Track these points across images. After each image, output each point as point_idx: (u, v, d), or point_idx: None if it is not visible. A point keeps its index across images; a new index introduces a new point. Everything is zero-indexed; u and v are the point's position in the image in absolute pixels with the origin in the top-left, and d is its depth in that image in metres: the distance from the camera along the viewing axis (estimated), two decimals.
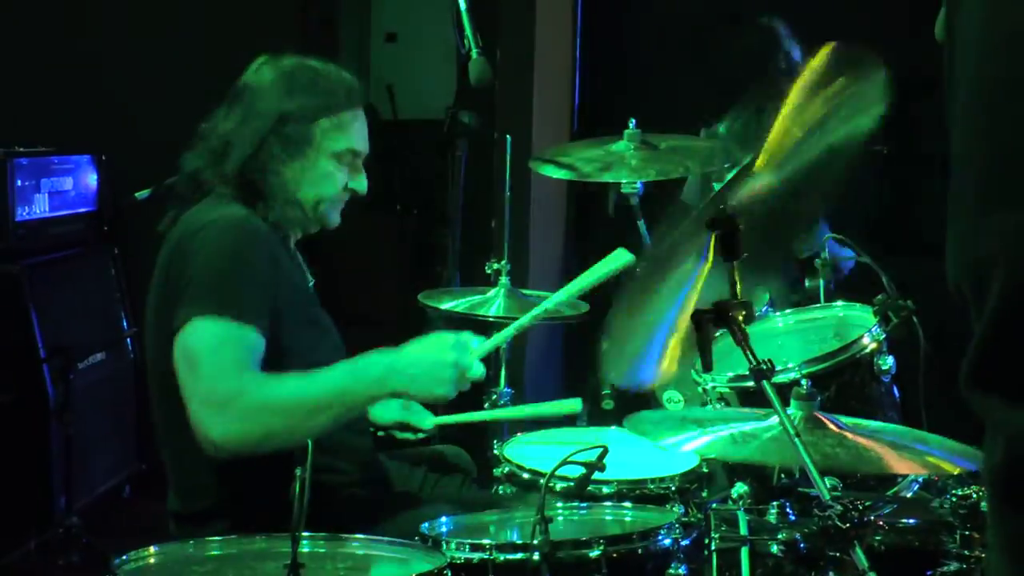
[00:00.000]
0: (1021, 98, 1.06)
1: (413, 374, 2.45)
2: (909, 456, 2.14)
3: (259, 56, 2.73)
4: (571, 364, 5.22)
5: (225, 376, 2.35)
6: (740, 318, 1.90)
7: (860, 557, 1.78)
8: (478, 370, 2.52)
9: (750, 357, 1.90)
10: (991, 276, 1.07)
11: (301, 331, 2.55)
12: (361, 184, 2.70)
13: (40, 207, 4.47)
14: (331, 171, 2.63)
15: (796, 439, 1.81)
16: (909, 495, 2.69)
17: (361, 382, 2.44)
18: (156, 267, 2.59)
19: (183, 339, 2.40)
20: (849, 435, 2.16)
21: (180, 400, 2.43)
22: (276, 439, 2.35)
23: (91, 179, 4.77)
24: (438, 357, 2.47)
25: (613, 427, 2.95)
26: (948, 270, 1.14)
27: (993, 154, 1.09)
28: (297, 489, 1.80)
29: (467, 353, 2.51)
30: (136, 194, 3.19)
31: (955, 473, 2.15)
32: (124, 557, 1.96)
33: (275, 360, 2.43)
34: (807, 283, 3.34)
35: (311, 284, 2.71)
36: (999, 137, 1.08)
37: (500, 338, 2.68)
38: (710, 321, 1.90)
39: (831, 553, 1.86)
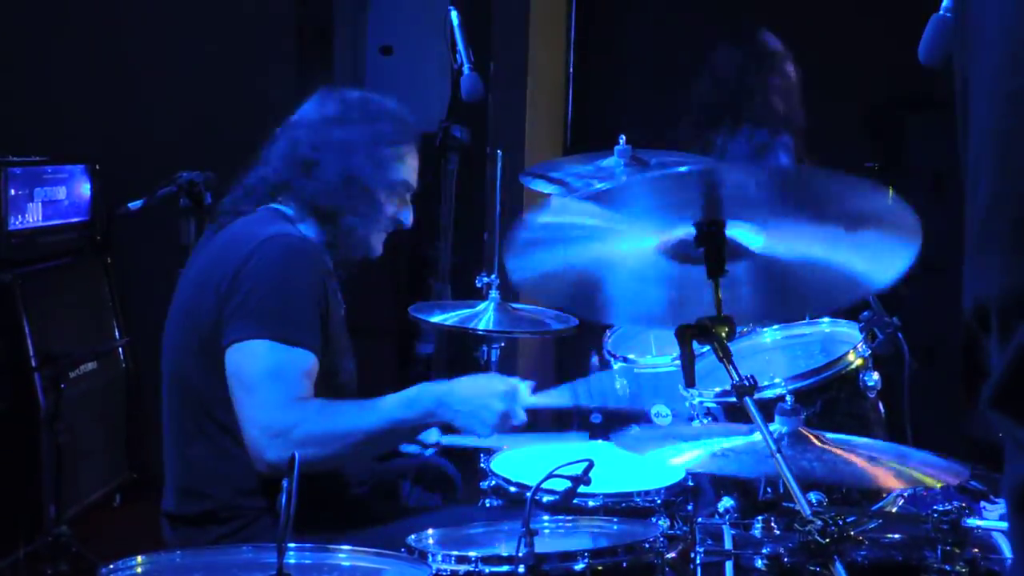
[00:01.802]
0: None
1: (461, 411, 2.54)
2: (888, 471, 2.16)
3: (317, 87, 2.79)
4: (563, 377, 5.22)
5: (283, 405, 2.42)
6: (723, 334, 1.92)
7: (840, 571, 1.80)
8: (521, 418, 2.60)
9: (733, 373, 1.92)
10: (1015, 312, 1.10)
11: (336, 356, 2.61)
12: (407, 217, 2.75)
13: (33, 216, 4.48)
14: (384, 201, 2.68)
15: (777, 455, 1.83)
16: (894, 510, 2.71)
17: (413, 412, 2.52)
18: (192, 270, 2.62)
19: (239, 359, 2.44)
20: (829, 450, 2.18)
21: (201, 407, 2.49)
22: (327, 463, 2.47)
23: (84, 189, 4.78)
24: (489, 402, 2.56)
25: (600, 440, 2.97)
26: (964, 299, 1.16)
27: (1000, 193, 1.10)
28: (283, 500, 1.81)
29: (516, 403, 2.59)
30: (129, 204, 3.20)
31: (936, 487, 2.17)
32: (111, 566, 1.97)
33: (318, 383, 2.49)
34: None
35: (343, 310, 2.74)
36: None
37: (553, 399, 2.77)
38: (694, 336, 1.92)
39: (812, 568, 1.88)
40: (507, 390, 2.58)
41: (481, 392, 2.56)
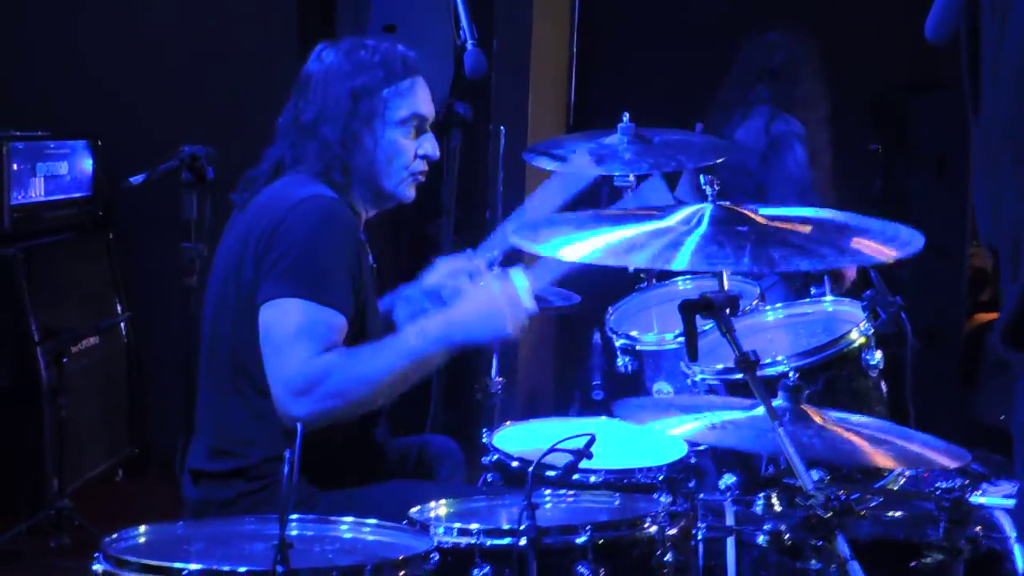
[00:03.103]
0: None
1: (472, 321, 2.53)
2: (887, 450, 2.16)
3: (317, 43, 2.77)
4: (563, 354, 5.23)
5: (309, 362, 2.43)
6: (726, 310, 1.92)
7: (842, 545, 1.80)
8: (531, 303, 2.57)
9: (735, 347, 1.92)
10: None
11: (369, 313, 2.63)
12: (431, 148, 2.73)
13: (35, 191, 4.48)
14: (400, 140, 2.67)
15: (779, 428, 1.83)
16: (896, 488, 2.71)
17: (427, 341, 2.51)
18: (233, 232, 2.62)
19: (269, 317, 2.46)
20: (829, 427, 2.18)
21: (238, 368, 2.52)
22: (359, 409, 2.50)
23: (86, 164, 4.78)
24: (494, 307, 2.53)
25: (603, 417, 2.97)
26: (979, 228, 1.14)
27: None
28: (286, 471, 1.82)
29: (519, 296, 2.55)
30: (130, 179, 3.20)
31: (935, 468, 2.17)
32: (114, 536, 1.98)
33: (351, 342, 2.50)
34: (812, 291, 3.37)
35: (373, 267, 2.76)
36: None
37: (548, 272, 2.66)
38: (697, 311, 1.92)
39: (814, 542, 1.88)
40: (503, 287, 2.55)
41: (482, 301, 2.55)
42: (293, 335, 2.44)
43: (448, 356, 2.60)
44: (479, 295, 2.57)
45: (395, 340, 2.53)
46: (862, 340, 2.83)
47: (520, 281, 2.56)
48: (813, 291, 3.37)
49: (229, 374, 2.56)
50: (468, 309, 2.55)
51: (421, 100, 2.71)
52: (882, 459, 2.25)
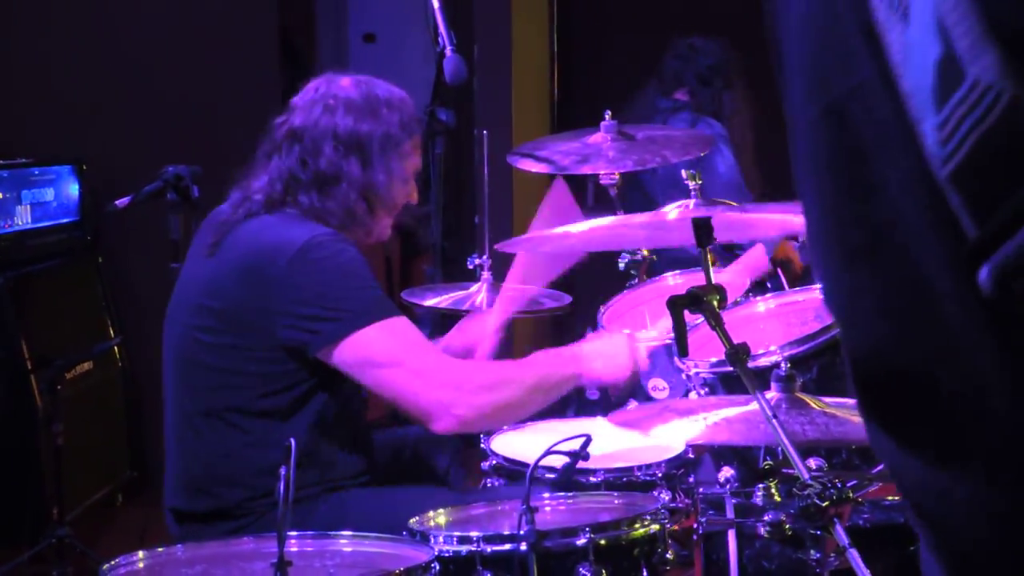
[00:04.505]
0: None
1: (597, 360, 2.64)
2: None
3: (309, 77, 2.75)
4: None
5: (439, 362, 2.51)
6: (714, 303, 1.92)
7: (840, 534, 1.80)
8: (645, 361, 2.74)
9: (725, 340, 1.92)
10: None
11: None
12: (414, 195, 2.76)
13: (22, 219, 4.47)
14: (399, 194, 2.69)
15: (773, 420, 1.83)
16: None
17: (559, 364, 2.63)
18: (208, 274, 2.57)
19: (355, 350, 2.45)
20: (824, 411, 2.18)
21: (215, 408, 2.48)
22: (508, 413, 2.58)
23: (72, 189, 4.77)
24: (617, 349, 2.66)
25: (599, 417, 2.97)
26: None
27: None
28: (282, 488, 1.81)
29: (636, 347, 2.70)
30: (116, 202, 3.19)
31: None
32: (113, 562, 1.98)
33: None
34: None
35: None
36: None
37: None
38: (685, 306, 1.92)
39: (813, 531, 1.88)
40: (624, 338, 2.70)
41: (606, 343, 2.68)
42: (399, 351, 2.47)
43: (571, 385, 2.69)
44: (603, 341, 2.72)
45: (528, 359, 2.62)
46: None
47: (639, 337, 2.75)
48: (769, 286, 3.41)
49: (202, 410, 2.51)
50: (594, 348, 2.67)
51: (419, 153, 2.75)
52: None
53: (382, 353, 2.46)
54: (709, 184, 4.16)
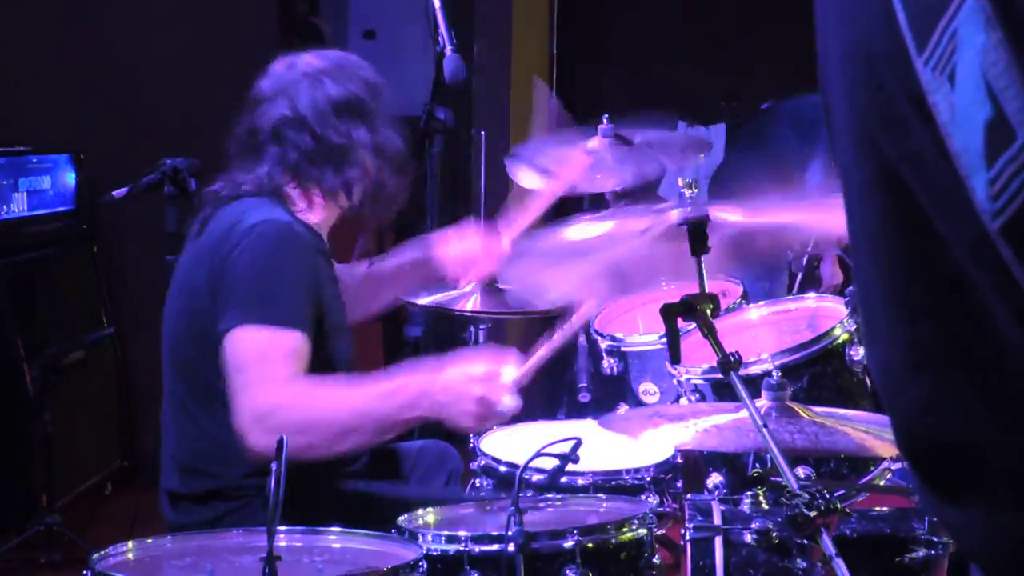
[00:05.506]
0: None
1: (442, 402, 2.40)
2: (875, 437, 2.17)
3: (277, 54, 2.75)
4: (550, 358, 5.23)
5: (266, 389, 2.38)
6: (707, 311, 1.93)
7: (827, 543, 1.81)
8: (509, 403, 2.43)
9: (717, 349, 1.93)
10: None
11: (331, 336, 2.57)
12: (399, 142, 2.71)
13: (18, 206, 4.47)
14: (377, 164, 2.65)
15: (763, 429, 1.84)
16: (882, 483, 2.73)
17: (393, 404, 2.42)
18: (187, 256, 2.60)
19: (230, 346, 2.43)
20: (814, 421, 2.19)
21: (207, 390, 2.48)
22: (313, 453, 2.37)
23: (69, 178, 4.77)
24: (466, 388, 2.40)
25: (589, 419, 2.98)
26: None
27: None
28: (272, 483, 1.82)
29: (496, 387, 2.42)
30: (113, 192, 3.20)
31: None
32: (102, 552, 1.98)
33: (312, 363, 2.45)
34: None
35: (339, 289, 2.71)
36: None
37: (534, 363, 2.53)
38: (678, 314, 1.93)
39: (800, 540, 1.89)
40: (483, 374, 2.42)
41: (460, 379, 2.42)
42: (248, 362, 2.40)
43: (411, 424, 2.55)
44: (460, 375, 2.42)
45: (360, 391, 2.43)
46: (846, 336, 2.83)
47: (506, 374, 2.43)
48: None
49: (199, 397, 2.53)
50: (446, 387, 2.41)
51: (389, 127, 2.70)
52: (872, 443, 2.25)
53: (235, 358, 2.41)
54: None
